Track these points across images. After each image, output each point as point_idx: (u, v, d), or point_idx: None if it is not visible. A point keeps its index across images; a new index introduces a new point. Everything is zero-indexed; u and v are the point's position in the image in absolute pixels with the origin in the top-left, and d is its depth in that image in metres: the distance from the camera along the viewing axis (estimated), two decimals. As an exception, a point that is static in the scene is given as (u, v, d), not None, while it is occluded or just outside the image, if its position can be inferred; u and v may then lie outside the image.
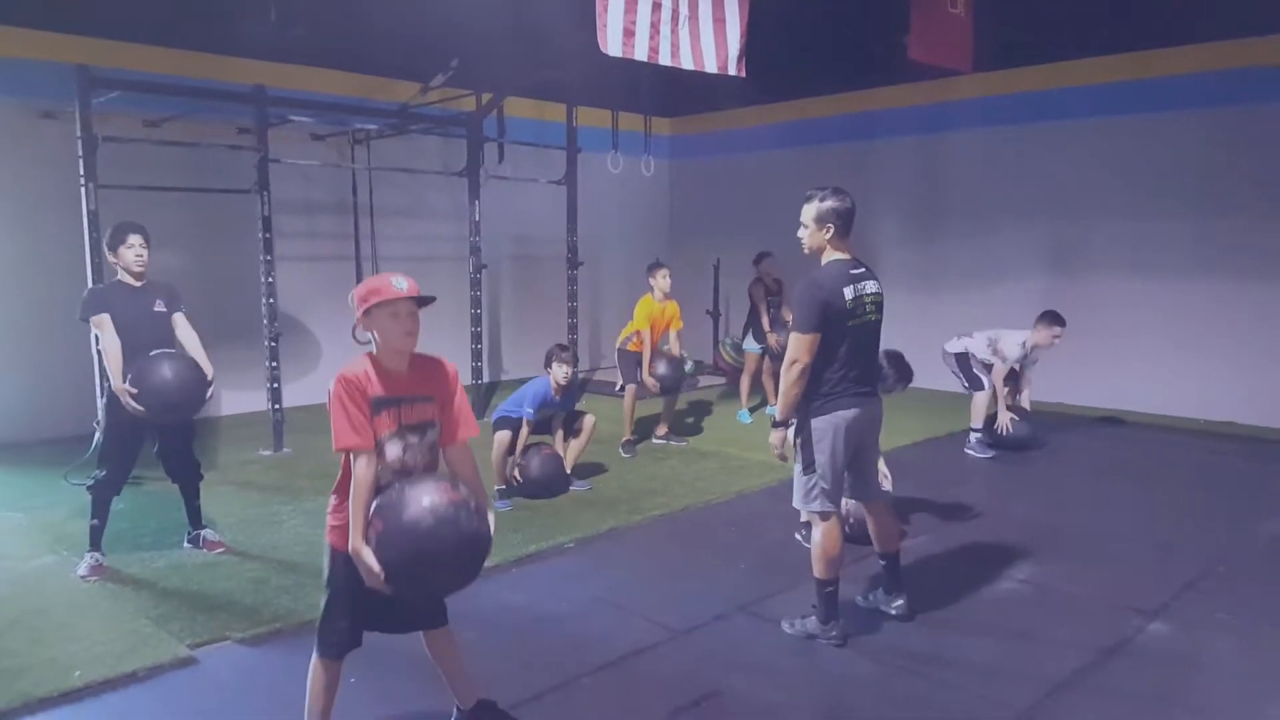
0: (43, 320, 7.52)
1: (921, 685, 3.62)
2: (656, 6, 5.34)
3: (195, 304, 5.06)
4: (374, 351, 2.82)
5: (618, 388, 7.62)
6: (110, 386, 4.62)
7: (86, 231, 6.49)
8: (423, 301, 2.78)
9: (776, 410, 3.98)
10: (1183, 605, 4.35)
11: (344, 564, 2.76)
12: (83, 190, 6.48)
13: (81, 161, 6.47)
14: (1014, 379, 7.40)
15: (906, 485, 6.46)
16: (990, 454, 7.27)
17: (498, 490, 5.94)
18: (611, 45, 5.22)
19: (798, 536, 5.21)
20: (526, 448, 6.12)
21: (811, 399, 3.88)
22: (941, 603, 4.43)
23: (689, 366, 8.80)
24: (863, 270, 3.95)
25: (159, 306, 4.77)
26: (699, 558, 5.11)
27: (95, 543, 4.72)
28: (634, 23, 5.26)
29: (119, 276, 4.75)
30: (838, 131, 11.02)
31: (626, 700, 3.54)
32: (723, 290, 11.41)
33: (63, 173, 6.80)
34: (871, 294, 3.92)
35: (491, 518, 2.77)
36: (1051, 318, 7.02)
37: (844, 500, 4.15)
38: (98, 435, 5.06)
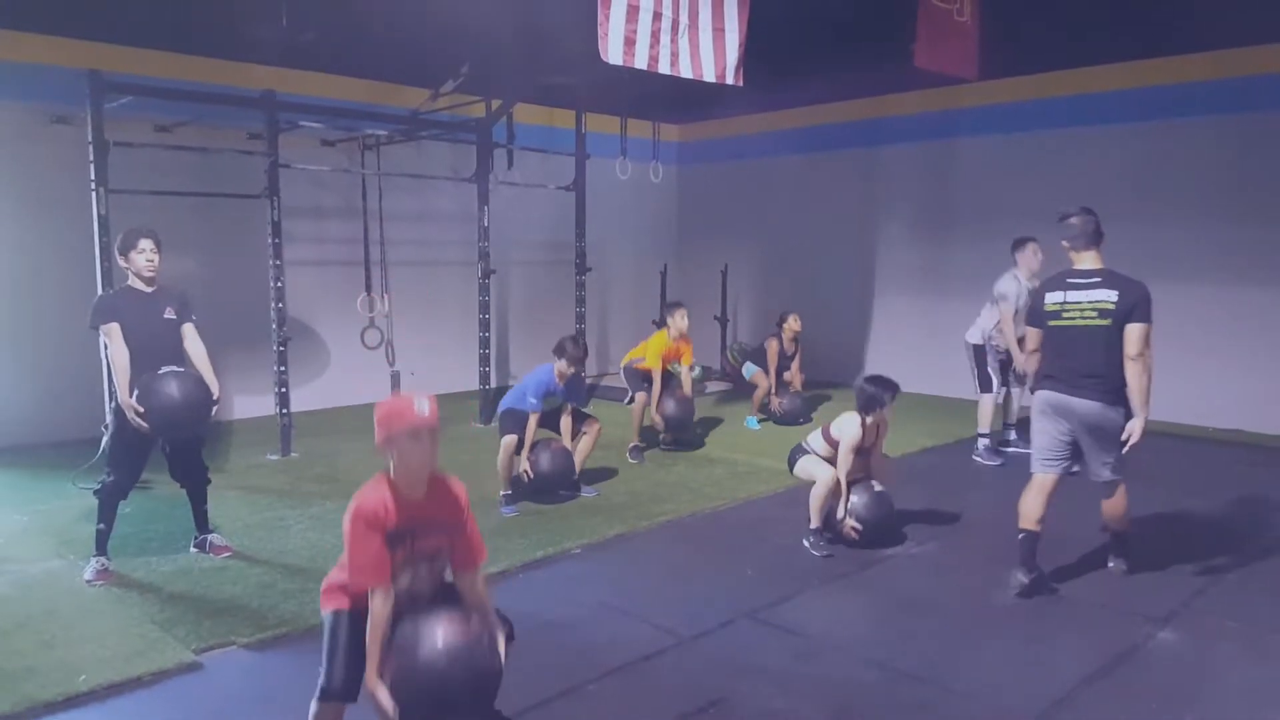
0: (52, 324, 7.56)
1: (928, 692, 3.60)
2: (657, 16, 5.36)
3: (204, 308, 5.09)
4: (390, 473, 2.78)
5: (626, 400, 7.62)
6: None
7: (97, 236, 6.52)
8: None
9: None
10: (1192, 613, 4.32)
11: (346, 625, 2.77)
12: (93, 195, 6.52)
13: (93, 166, 6.52)
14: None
15: (914, 491, 6.44)
16: (998, 461, 7.24)
17: (504, 495, 5.94)
18: (613, 54, 5.25)
19: (805, 543, 5.19)
20: (535, 443, 6.07)
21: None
22: (948, 610, 4.41)
23: (696, 372, 8.81)
24: (1092, 280, 4.43)
25: (169, 314, 4.77)
26: (706, 564, 5.09)
27: (101, 547, 4.73)
28: (635, 31, 5.29)
29: (129, 281, 4.75)
30: (846, 138, 11.01)
31: (633, 707, 3.53)
32: (730, 295, 11.41)
33: (74, 177, 6.84)
34: (1091, 301, 4.39)
35: (502, 645, 2.79)
36: (1020, 240, 7.14)
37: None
38: (106, 439, 5.07)
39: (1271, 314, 8.09)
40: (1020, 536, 4.57)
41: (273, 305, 7.34)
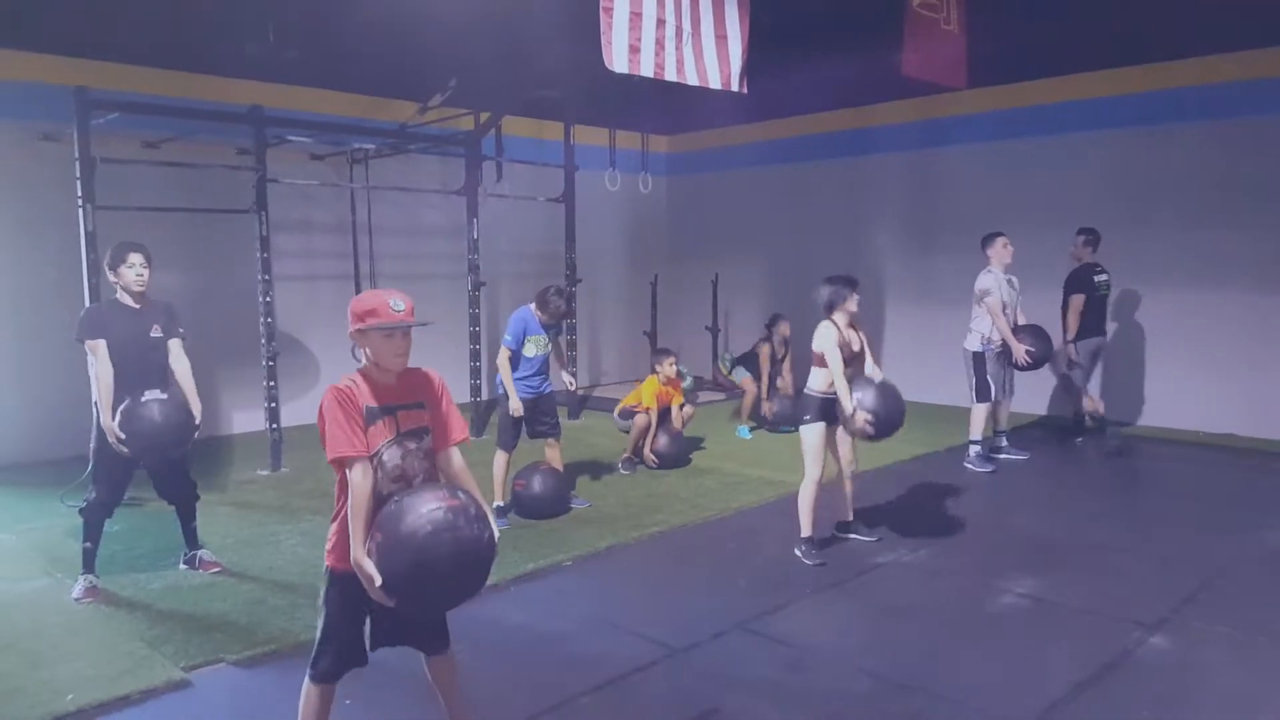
0: (40, 341, 7.54)
1: (919, 702, 3.59)
2: (660, 23, 5.28)
3: (194, 324, 5.09)
4: (363, 366, 2.82)
5: (623, 428, 7.68)
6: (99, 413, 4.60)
7: (84, 253, 6.50)
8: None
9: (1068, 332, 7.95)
10: (1182, 618, 4.33)
11: (341, 587, 2.73)
12: (81, 211, 6.50)
13: (80, 183, 6.49)
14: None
15: (906, 498, 6.46)
16: (989, 468, 7.25)
17: (496, 507, 5.92)
18: (617, 62, 5.15)
19: (797, 552, 5.19)
20: (526, 466, 6.08)
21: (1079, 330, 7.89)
22: (939, 618, 4.41)
23: (687, 383, 8.81)
24: (1102, 268, 7.89)
25: (156, 331, 4.74)
26: (697, 575, 5.09)
27: (89, 565, 4.70)
28: (639, 39, 5.20)
29: (118, 295, 4.72)
30: (833, 147, 11.06)
31: (625, 719, 3.52)
32: (721, 305, 11.43)
33: (61, 194, 6.83)
34: (1107, 280, 7.92)
35: (492, 518, 2.73)
36: (990, 235, 7.41)
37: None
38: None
39: (1261, 319, 8.13)
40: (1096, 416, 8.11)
41: (262, 320, 7.32)
